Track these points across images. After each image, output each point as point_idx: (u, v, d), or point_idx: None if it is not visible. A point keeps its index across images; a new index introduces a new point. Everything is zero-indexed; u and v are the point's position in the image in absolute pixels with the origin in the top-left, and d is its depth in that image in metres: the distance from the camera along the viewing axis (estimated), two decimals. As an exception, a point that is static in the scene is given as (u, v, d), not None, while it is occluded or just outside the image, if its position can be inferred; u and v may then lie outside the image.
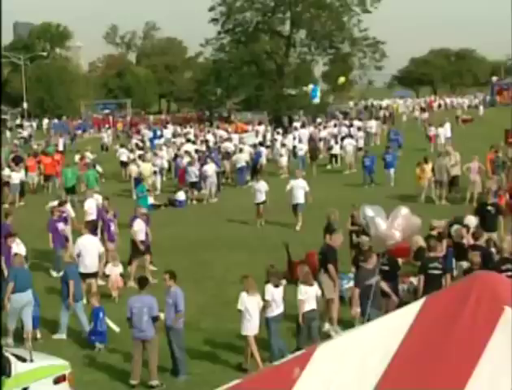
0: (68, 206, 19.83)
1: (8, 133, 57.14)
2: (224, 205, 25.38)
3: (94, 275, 15.38)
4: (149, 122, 65.39)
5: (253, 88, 61.86)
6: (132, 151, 34.12)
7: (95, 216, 19.56)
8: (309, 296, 11.59)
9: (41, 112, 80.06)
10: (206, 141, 37.25)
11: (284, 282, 12.26)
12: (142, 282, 11.03)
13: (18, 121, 76.45)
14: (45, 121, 69.40)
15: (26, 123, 68.70)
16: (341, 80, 42.55)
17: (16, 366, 8.70)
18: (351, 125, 42.72)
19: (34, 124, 69.43)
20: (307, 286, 11.63)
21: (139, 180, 28.17)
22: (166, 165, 32.59)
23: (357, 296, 11.33)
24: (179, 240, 17.43)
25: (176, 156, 32.88)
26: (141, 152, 33.02)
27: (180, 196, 26.98)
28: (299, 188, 21.05)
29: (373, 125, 44.96)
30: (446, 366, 3.70)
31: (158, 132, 47.28)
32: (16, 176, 28.32)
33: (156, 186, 29.40)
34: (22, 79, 79.68)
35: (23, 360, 8.93)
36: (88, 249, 15.17)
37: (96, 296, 13.29)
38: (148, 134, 46.75)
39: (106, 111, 78.18)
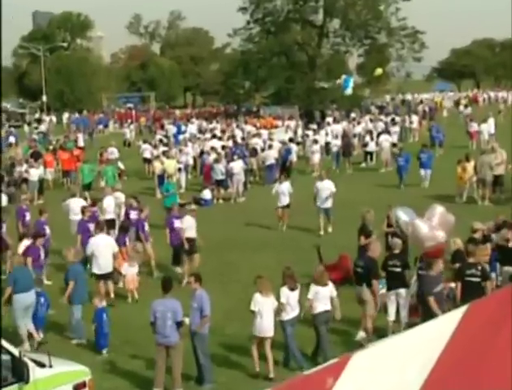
0: (84, 203, 20.09)
1: (26, 128, 57.77)
2: (252, 204, 25.43)
3: (109, 276, 15.58)
4: (175, 116, 65.65)
5: (284, 80, 61.72)
6: (155, 147, 34.31)
7: (113, 215, 19.77)
8: (321, 296, 11.77)
9: (60, 106, 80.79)
10: (233, 137, 37.33)
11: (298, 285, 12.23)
12: (166, 285, 11.07)
13: (37, 115, 77.29)
14: (65, 115, 70.03)
15: (45, 118, 69.47)
16: (378, 71, 42.30)
17: (34, 372, 8.77)
18: (393, 120, 42.33)
19: (54, 118, 70.16)
20: (319, 286, 11.83)
21: (163, 178, 28.35)
22: (191, 162, 32.72)
23: (435, 306, 11.32)
24: (204, 241, 17.48)
25: (202, 152, 33.00)
26: (165, 148, 33.18)
27: (206, 194, 27.08)
28: (325, 191, 20.67)
29: (414, 120, 44.69)
30: (490, 377, 3.67)
31: (183, 128, 47.49)
32: (35, 173, 28.65)
33: (181, 184, 29.53)
34: (41, 70, 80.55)
35: (42, 365, 9.00)
36: (102, 250, 15.36)
37: (99, 297, 13.42)
38: (172, 129, 46.99)
39: (129, 105, 78.70)
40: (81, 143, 42.04)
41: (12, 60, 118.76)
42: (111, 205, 20.12)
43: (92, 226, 17.50)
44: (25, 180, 28.55)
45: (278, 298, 11.60)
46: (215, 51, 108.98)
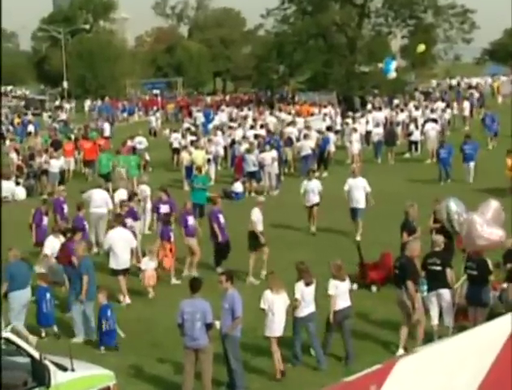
0: (106, 196, 20.27)
1: (46, 116, 58.34)
2: (286, 198, 25.35)
3: (125, 271, 15.82)
4: (204, 103, 65.83)
5: (321, 64, 61.51)
6: (183, 136, 34.46)
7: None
8: (341, 291, 12.08)
9: (82, 92, 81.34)
10: (267, 125, 37.33)
11: (314, 281, 12.39)
12: (195, 284, 11.12)
13: (57, 102, 78.05)
14: (87, 102, 70.65)
15: (66, 105, 70.12)
16: (421, 48, 41.71)
17: (56, 376, 8.84)
18: (448, 105, 41.62)
19: (73, 105, 70.93)
20: (338, 280, 12.09)
21: (191, 169, 28.48)
22: (221, 152, 32.82)
23: None
24: (235, 237, 17.54)
25: (233, 142, 33.05)
26: (193, 138, 33.31)
27: (237, 187, 27.14)
28: (359, 189, 19.93)
29: (467, 107, 44.09)
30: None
31: (212, 115, 47.61)
32: (55, 164, 28.95)
33: (210, 176, 29.64)
34: (62, 55, 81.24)
35: (64, 369, 9.07)
36: (119, 244, 15.60)
37: (103, 293, 13.58)
38: (201, 117, 47.14)
39: (155, 91, 79.05)
40: (107, 132, 42.40)
41: (31, 44, 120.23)
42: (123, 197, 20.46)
43: (129, 221, 17.69)
44: (45, 172, 28.87)
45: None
46: (247, 33, 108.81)
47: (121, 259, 15.64)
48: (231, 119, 43.98)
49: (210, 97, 78.28)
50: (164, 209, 18.71)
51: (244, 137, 31.92)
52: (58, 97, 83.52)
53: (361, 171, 21.29)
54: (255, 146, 29.02)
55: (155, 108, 60.90)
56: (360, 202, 19.92)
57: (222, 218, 17.47)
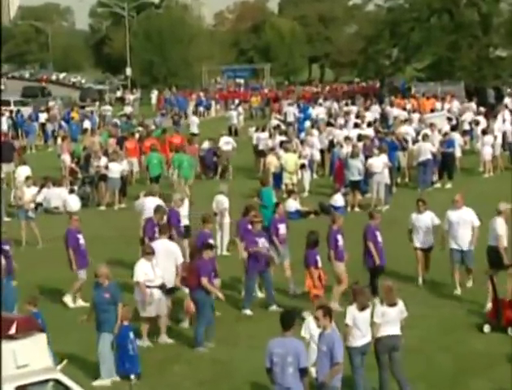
0: (159, 201, 20.56)
1: (108, 109, 59.20)
2: (398, 215, 24.83)
3: (170, 292, 16.04)
4: (297, 95, 65.90)
5: (445, 47, 60.90)
6: (270, 136, 34.61)
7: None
8: (389, 318, 12.48)
9: (149, 81, 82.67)
10: (375, 123, 37.10)
11: (371, 304, 12.77)
12: (287, 319, 11.08)
13: (119, 93, 79.56)
14: (155, 93, 71.68)
15: (130, 97, 71.39)
16: None
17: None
18: None
19: (138, 97, 72.30)
20: (386, 306, 12.55)
21: (279, 177, 28.53)
22: (318, 156, 32.81)
23: None
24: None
25: (332, 144, 32.98)
26: (282, 138, 33.40)
27: (338, 200, 26.94)
28: (464, 225, 18.04)
29: None
30: None
31: (308, 111, 47.65)
32: (116, 168, 29.32)
33: (304, 185, 29.60)
34: (126, 35, 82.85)
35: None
36: (161, 258, 15.90)
37: (126, 310, 13.80)
38: (293, 113, 47.22)
39: (237, 80, 79.79)
40: (194, 129, 43.50)
41: (89, 22, 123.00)
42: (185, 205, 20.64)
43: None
44: (104, 177, 29.38)
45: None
46: (352, 9, 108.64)
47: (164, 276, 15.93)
48: (330, 116, 43.96)
49: (302, 88, 78.41)
50: (283, 228, 18.60)
51: (346, 138, 31.81)
52: (121, 86, 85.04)
53: (462, 202, 18.51)
54: (360, 150, 28.91)
55: (237, 101, 61.40)
56: (464, 242, 18.06)
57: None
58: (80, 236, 18.28)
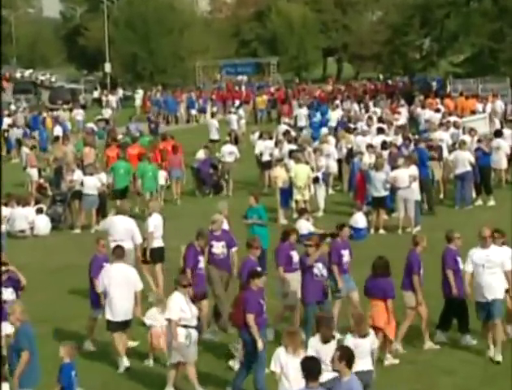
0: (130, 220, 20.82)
1: (81, 113, 59.26)
2: (432, 238, 24.86)
3: (126, 325, 16.47)
4: (309, 95, 65.84)
5: (487, 37, 61.02)
6: (277, 144, 34.61)
7: (162, 242, 20.61)
8: (360, 350, 13.06)
9: (132, 78, 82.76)
10: (403, 128, 37.09)
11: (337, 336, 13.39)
12: (312, 367, 11.18)
13: (96, 93, 79.57)
14: (139, 93, 71.60)
15: (110, 97, 71.31)
16: None
17: None
18: None
19: (119, 98, 72.45)
20: (357, 338, 13.33)
21: (289, 192, 28.51)
22: (334, 168, 32.85)
23: None
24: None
25: (351, 153, 32.96)
26: (292, 146, 33.40)
27: (358, 220, 26.94)
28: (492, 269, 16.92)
29: None
30: None
31: (322, 114, 47.64)
32: (92, 183, 29.26)
33: (318, 203, 29.60)
34: (104, 24, 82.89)
35: None
36: (118, 286, 16.30)
37: (65, 349, 13.76)
38: (304, 116, 47.22)
39: (238, 77, 79.85)
40: (215, 135, 43.91)
41: (60, 8, 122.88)
42: (159, 226, 20.78)
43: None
44: (78, 195, 29.35)
45: None
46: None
47: (120, 308, 16.10)
48: (349, 120, 44.02)
49: (316, 87, 78.38)
50: (347, 256, 18.79)
51: (369, 146, 31.80)
52: (98, 85, 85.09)
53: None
54: (385, 160, 28.91)
55: (237, 102, 61.37)
56: (497, 292, 16.82)
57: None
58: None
